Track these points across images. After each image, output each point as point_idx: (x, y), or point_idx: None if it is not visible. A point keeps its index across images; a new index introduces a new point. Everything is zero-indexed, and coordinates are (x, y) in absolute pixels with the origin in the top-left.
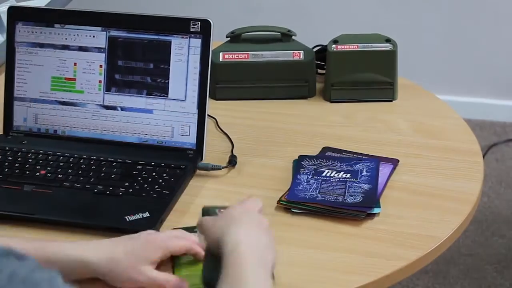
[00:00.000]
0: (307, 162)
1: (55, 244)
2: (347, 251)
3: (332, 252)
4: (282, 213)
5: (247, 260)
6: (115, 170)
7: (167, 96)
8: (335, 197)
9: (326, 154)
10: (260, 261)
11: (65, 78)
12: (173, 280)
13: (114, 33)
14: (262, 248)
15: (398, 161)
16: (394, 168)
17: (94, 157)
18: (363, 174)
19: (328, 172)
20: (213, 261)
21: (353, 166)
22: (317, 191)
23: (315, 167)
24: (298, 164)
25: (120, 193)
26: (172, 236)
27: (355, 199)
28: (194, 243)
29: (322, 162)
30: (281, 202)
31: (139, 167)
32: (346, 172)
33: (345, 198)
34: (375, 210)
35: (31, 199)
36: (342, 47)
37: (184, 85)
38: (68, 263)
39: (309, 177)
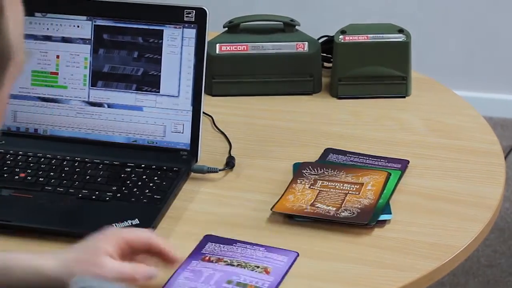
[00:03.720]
0: (308, 171)
1: (13, 253)
2: (354, 261)
3: (338, 263)
4: (283, 219)
5: None
6: (101, 172)
7: (159, 92)
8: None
9: (329, 158)
10: None
11: (46, 72)
12: (141, 268)
13: (100, 22)
14: None
15: (408, 162)
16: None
17: (79, 159)
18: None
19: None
20: None
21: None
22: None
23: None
24: (298, 172)
25: (107, 198)
26: (126, 228)
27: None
28: (154, 236)
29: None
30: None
31: (128, 169)
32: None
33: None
34: (385, 217)
35: (9, 205)
36: (351, 38)
37: (177, 80)
38: (21, 269)
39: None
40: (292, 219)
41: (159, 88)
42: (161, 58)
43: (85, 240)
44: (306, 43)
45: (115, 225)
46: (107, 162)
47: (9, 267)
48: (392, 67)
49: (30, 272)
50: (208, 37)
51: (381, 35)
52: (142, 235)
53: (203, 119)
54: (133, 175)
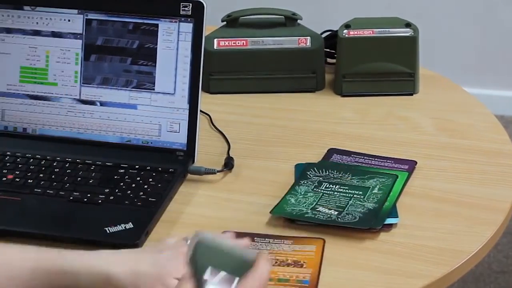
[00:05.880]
0: (313, 173)
1: (74, 253)
2: (360, 267)
3: (343, 269)
4: (284, 223)
5: None
6: (93, 174)
7: (154, 89)
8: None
9: (332, 159)
10: None
11: (36, 68)
12: None
13: (92, 16)
14: None
15: (416, 163)
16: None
17: (70, 160)
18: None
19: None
20: None
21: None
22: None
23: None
24: (302, 173)
25: (100, 201)
26: None
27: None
28: None
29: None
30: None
31: (121, 171)
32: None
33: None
34: (392, 221)
35: None
36: (355, 32)
37: (173, 77)
38: (87, 275)
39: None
40: (294, 222)
41: (154, 85)
42: (156, 54)
43: (155, 248)
44: (309, 38)
45: (108, 229)
46: (100, 163)
47: (77, 273)
48: (399, 63)
49: (99, 280)
50: (206, 32)
51: (387, 29)
52: None
53: (200, 118)
54: (127, 176)
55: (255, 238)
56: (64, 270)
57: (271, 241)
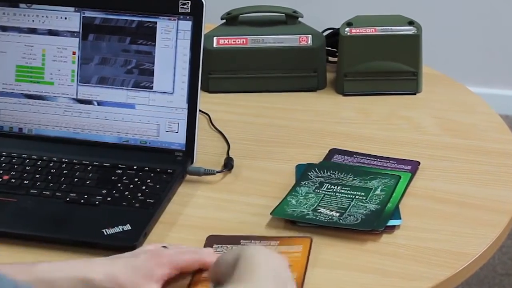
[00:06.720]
0: (314, 173)
1: (46, 264)
2: (362, 270)
3: (343, 271)
4: (285, 224)
5: (261, 269)
6: (90, 175)
7: (152, 88)
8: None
9: (334, 159)
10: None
11: (32, 67)
12: None
13: (89, 14)
14: (281, 270)
15: (419, 163)
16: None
17: (66, 160)
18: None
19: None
20: None
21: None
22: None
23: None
24: (304, 174)
25: (97, 202)
26: (179, 251)
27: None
28: (208, 256)
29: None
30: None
31: (119, 171)
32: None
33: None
34: (394, 222)
35: None
36: (357, 30)
37: (172, 76)
38: (63, 281)
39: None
40: (295, 224)
41: (152, 84)
42: (154, 52)
43: (136, 254)
44: (310, 36)
45: (105, 231)
46: (97, 163)
47: (54, 280)
48: (401, 62)
49: (76, 285)
50: (205, 30)
51: (390, 27)
52: (195, 259)
53: (199, 118)
54: (125, 177)
55: (241, 241)
56: (38, 279)
57: (257, 243)
